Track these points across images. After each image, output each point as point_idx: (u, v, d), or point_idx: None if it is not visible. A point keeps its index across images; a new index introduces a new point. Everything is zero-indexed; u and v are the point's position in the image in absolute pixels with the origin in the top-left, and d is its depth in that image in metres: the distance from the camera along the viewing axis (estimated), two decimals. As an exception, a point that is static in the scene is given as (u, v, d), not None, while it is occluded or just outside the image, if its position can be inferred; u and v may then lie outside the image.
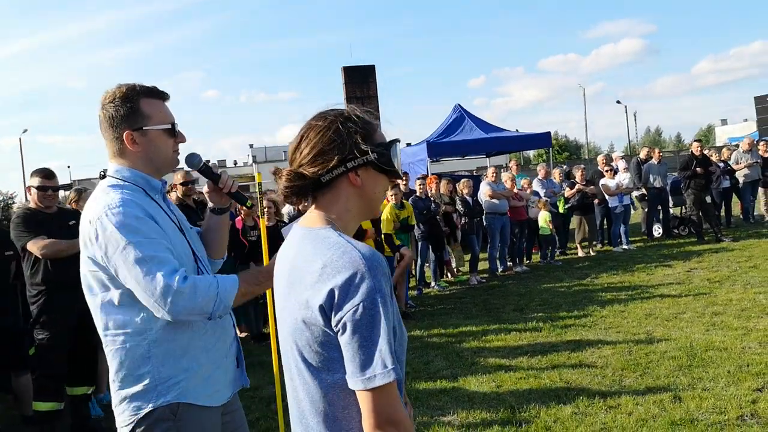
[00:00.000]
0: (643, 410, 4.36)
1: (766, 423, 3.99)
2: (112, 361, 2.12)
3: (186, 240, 2.22)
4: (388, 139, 1.60)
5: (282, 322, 1.56)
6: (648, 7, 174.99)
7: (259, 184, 3.81)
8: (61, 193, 5.98)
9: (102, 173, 2.58)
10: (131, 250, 1.98)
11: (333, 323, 1.38)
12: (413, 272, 10.12)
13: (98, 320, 2.12)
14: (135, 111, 2.13)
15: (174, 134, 2.22)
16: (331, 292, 1.38)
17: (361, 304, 1.35)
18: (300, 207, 1.97)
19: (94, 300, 2.12)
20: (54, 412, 4.77)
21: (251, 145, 75.76)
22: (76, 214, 4.90)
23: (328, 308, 1.38)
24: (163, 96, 2.22)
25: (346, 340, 1.37)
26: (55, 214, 4.85)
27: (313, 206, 1.58)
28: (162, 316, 2.00)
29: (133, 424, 2.07)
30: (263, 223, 3.88)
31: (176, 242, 2.13)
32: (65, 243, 4.60)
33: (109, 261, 2.01)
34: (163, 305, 1.96)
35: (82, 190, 6.23)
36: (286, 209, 8.58)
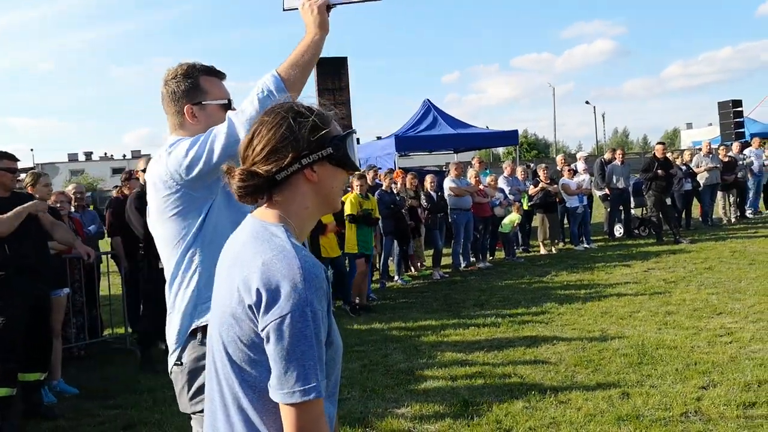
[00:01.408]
0: (592, 406, 4.46)
1: (709, 420, 4.11)
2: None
3: None
4: (343, 132, 1.55)
5: (213, 311, 1.53)
6: (620, 9, 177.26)
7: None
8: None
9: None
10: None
11: (259, 327, 1.36)
12: (377, 266, 10.17)
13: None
14: (195, 87, 2.29)
15: (230, 109, 2.33)
16: (260, 294, 1.35)
17: (289, 315, 1.32)
18: None
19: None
20: (7, 398, 4.70)
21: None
22: (31, 199, 4.83)
23: (256, 309, 1.36)
24: (219, 75, 2.37)
25: (270, 349, 1.34)
26: (9, 198, 4.77)
27: (267, 205, 1.53)
28: None
29: None
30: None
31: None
32: (5, 216, 4.53)
33: (192, 149, 2.15)
34: None
35: (39, 175, 6.12)
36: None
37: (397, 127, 16.50)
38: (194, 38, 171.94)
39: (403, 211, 10.04)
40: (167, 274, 2.29)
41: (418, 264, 11.32)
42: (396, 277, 10.25)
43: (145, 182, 6.70)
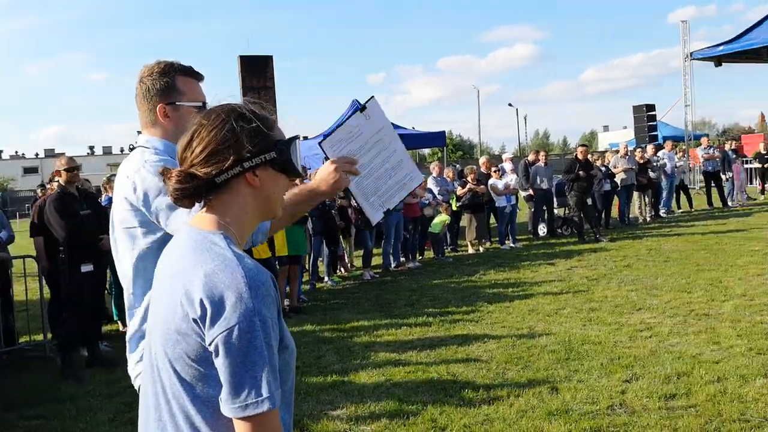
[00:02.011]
0: (524, 401, 4.57)
1: (633, 412, 4.28)
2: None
3: None
4: (287, 136, 1.52)
5: (154, 327, 1.46)
6: (542, 14, 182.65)
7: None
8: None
9: (131, 146, 2.49)
10: None
11: (206, 341, 1.31)
12: (306, 267, 10.10)
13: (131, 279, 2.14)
14: (171, 86, 2.21)
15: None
16: (204, 307, 1.30)
17: (237, 326, 1.28)
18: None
19: (131, 254, 2.13)
20: None
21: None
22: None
23: (201, 323, 1.31)
24: (197, 76, 2.31)
25: (219, 363, 1.30)
26: None
27: (204, 209, 1.49)
28: None
29: None
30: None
31: None
32: None
33: (150, 207, 2.06)
34: None
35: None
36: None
37: (323, 127, 16.46)
38: (115, 32, 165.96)
39: (332, 211, 10.02)
40: (124, 275, 2.20)
41: (348, 264, 11.32)
42: (326, 278, 10.21)
43: (65, 182, 6.49)
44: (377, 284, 9.85)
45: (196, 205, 1.50)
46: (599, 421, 4.17)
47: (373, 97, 2.25)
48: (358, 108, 2.23)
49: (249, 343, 1.28)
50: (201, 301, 1.31)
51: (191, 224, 1.48)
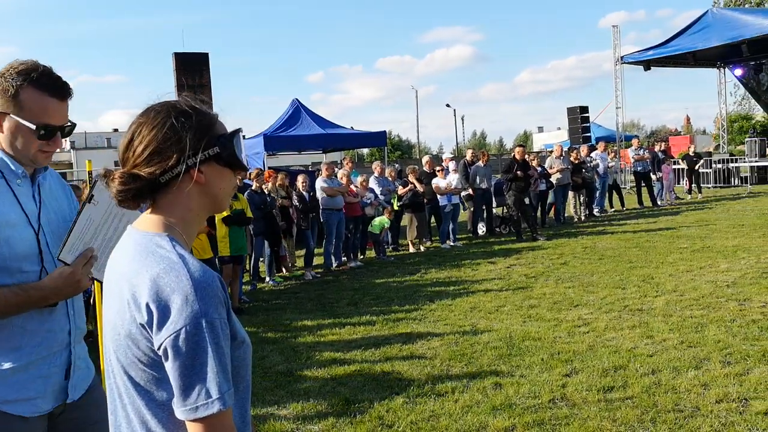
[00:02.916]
0: (468, 397, 4.64)
1: (574, 405, 4.40)
2: None
3: (35, 234, 2.03)
4: (229, 130, 1.49)
5: (106, 333, 1.44)
6: (478, 16, 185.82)
7: (90, 172, 3.58)
8: None
9: None
10: None
11: (155, 345, 1.30)
12: (247, 267, 9.98)
13: None
14: (14, 95, 1.94)
15: (46, 138, 2.01)
16: (151, 311, 1.29)
17: (183, 329, 1.27)
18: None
19: None
20: None
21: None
22: None
23: (149, 327, 1.30)
24: (58, 93, 2.01)
25: (168, 366, 1.29)
26: None
27: (149, 210, 1.45)
28: None
29: None
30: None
31: (10, 235, 1.96)
32: None
33: None
34: None
35: None
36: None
37: (261, 127, 16.33)
38: (43, 26, 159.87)
39: (273, 211, 9.94)
40: None
41: (290, 264, 11.24)
42: (267, 279, 10.11)
43: None
44: (319, 284, 9.82)
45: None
46: (542, 414, 4.27)
47: (96, 181, 2.10)
48: (89, 201, 2.08)
49: (197, 345, 1.28)
50: (147, 305, 1.30)
51: (135, 227, 1.46)
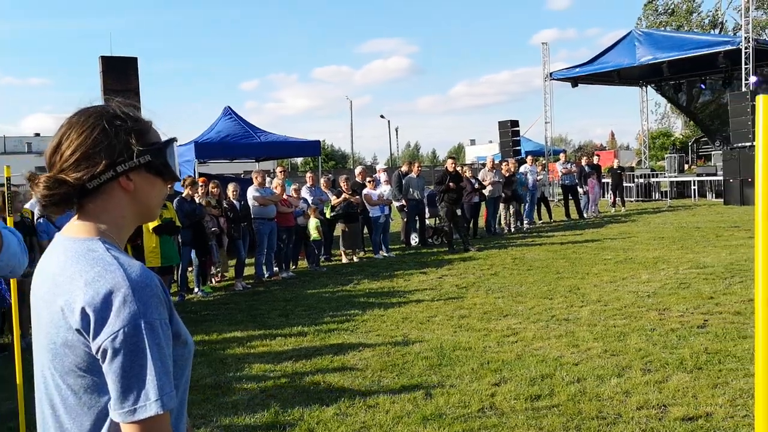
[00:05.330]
0: (399, 408, 4.64)
1: (503, 414, 4.46)
2: None
3: None
4: (163, 138, 1.46)
5: (38, 345, 1.39)
6: (415, 28, 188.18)
7: (8, 178, 3.42)
8: None
9: None
10: None
11: (93, 349, 1.26)
12: (175, 278, 9.74)
13: None
14: None
15: None
16: (87, 315, 1.25)
17: (121, 330, 1.23)
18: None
19: None
20: None
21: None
22: None
23: (86, 332, 1.26)
24: None
25: (106, 369, 1.26)
26: None
27: (77, 216, 1.41)
28: None
29: None
30: (11, 221, 3.48)
31: None
32: None
33: None
34: None
35: None
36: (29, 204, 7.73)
37: (192, 134, 16.01)
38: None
39: (202, 221, 9.73)
40: None
41: (220, 275, 11.03)
42: (196, 289, 9.88)
43: None
44: (250, 295, 9.66)
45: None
46: (471, 423, 4.32)
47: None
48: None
49: (135, 347, 1.24)
50: (83, 309, 1.26)
51: (64, 234, 1.41)
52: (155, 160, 1.41)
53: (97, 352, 1.26)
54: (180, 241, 9.41)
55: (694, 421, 4.17)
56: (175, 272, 9.68)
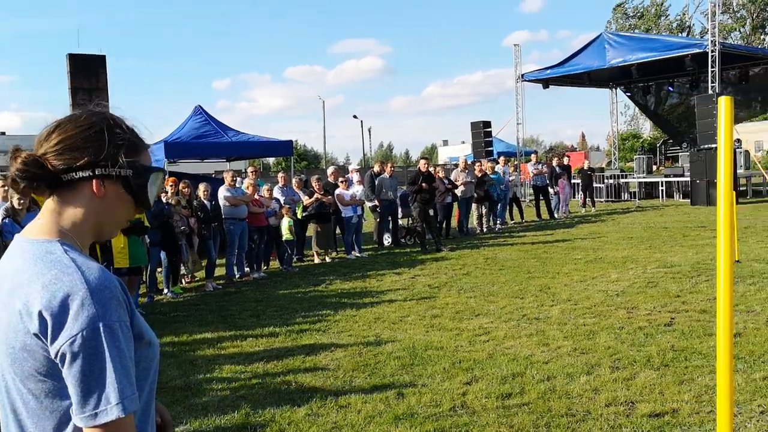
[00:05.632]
0: (371, 408, 4.64)
1: (474, 412, 4.48)
2: None
3: None
4: (151, 165, 1.48)
5: None
6: (388, 29, 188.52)
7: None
8: None
9: None
10: None
11: (52, 354, 1.24)
12: (144, 278, 9.62)
13: None
14: None
15: None
16: (45, 319, 1.23)
17: (80, 334, 1.22)
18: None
19: None
20: None
21: None
22: None
23: (44, 336, 1.24)
24: None
25: (66, 374, 1.24)
26: None
27: (40, 214, 1.40)
28: None
29: None
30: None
31: None
32: None
33: None
34: None
35: None
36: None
37: (163, 133, 15.83)
38: None
39: (170, 220, 9.62)
40: None
41: (190, 276, 10.92)
42: (165, 290, 9.77)
43: None
44: (220, 296, 9.58)
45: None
46: (442, 422, 4.33)
47: None
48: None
49: (95, 350, 1.23)
50: (40, 313, 1.24)
51: (24, 235, 1.39)
52: (135, 179, 1.42)
53: (56, 357, 1.25)
54: (149, 241, 9.30)
55: (661, 417, 4.24)
56: (144, 273, 9.57)
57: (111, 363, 1.23)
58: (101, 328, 1.24)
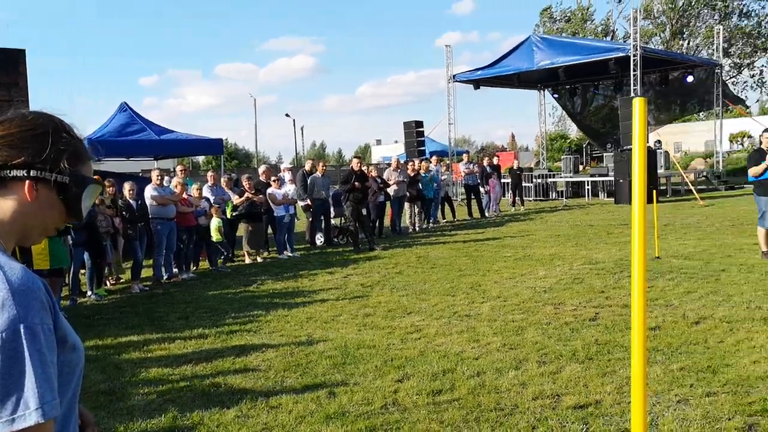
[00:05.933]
0: (302, 408, 4.60)
1: (405, 410, 4.50)
2: None
3: None
4: (92, 177, 1.44)
5: None
6: (320, 27, 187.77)
7: None
8: None
9: None
10: None
11: None
12: (66, 280, 9.27)
13: None
14: None
15: None
16: None
17: None
18: None
19: None
20: None
21: None
22: None
23: None
24: None
25: None
26: None
27: None
28: None
29: None
30: None
31: None
32: None
33: None
34: None
35: None
36: None
37: (87, 131, 15.30)
38: None
39: (95, 221, 9.31)
40: None
41: (114, 277, 10.59)
42: (89, 292, 9.44)
43: None
44: (147, 297, 9.33)
45: None
46: (374, 420, 4.33)
47: None
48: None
49: (14, 352, 1.18)
50: None
51: None
52: (71, 187, 1.38)
53: None
54: (71, 242, 8.97)
55: (585, 408, 4.36)
56: (67, 275, 9.22)
57: (31, 366, 1.19)
58: (22, 330, 1.19)
